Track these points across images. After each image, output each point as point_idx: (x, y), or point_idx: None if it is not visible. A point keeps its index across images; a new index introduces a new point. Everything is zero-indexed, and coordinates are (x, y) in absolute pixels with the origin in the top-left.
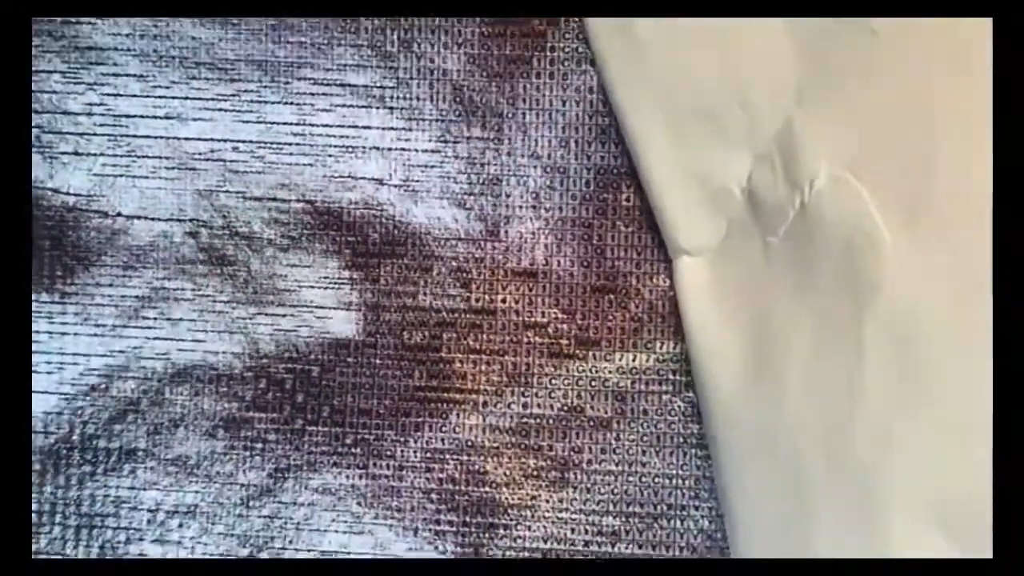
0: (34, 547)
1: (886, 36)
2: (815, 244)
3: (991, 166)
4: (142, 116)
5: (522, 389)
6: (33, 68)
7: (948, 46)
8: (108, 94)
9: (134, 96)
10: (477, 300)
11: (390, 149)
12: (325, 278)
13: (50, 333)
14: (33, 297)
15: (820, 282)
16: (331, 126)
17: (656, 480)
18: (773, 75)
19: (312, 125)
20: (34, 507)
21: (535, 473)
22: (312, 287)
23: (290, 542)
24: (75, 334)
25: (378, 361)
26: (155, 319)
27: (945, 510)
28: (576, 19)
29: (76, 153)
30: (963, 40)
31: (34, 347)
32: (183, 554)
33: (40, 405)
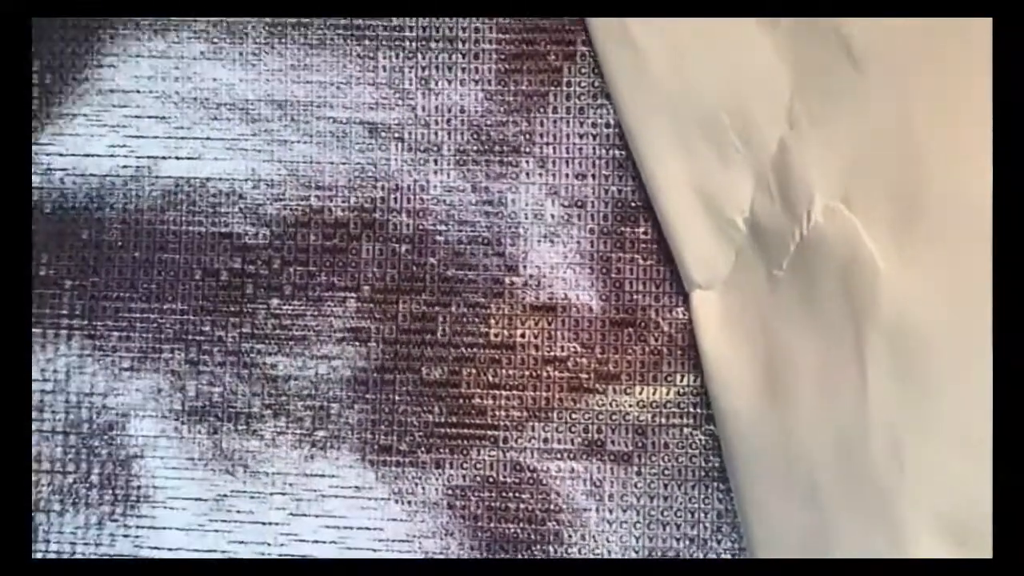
0: None
1: (872, 62)
2: (816, 275)
3: (983, 185)
4: (164, 157)
5: (542, 424)
6: (59, 112)
7: (937, 70)
8: (131, 136)
9: (156, 137)
10: (496, 335)
11: (409, 186)
12: (343, 315)
13: (69, 372)
14: (53, 335)
15: (823, 311)
16: (350, 164)
17: (678, 514)
18: (768, 99)
19: (331, 163)
20: (53, 547)
21: (556, 508)
22: (330, 324)
23: None
24: (93, 373)
25: (397, 397)
26: (174, 358)
27: (957, 521)
28: (591, 54)
29: (99, 194)
30: (954, 65)
31: (52, 386)
32: None
33: (58, 444)
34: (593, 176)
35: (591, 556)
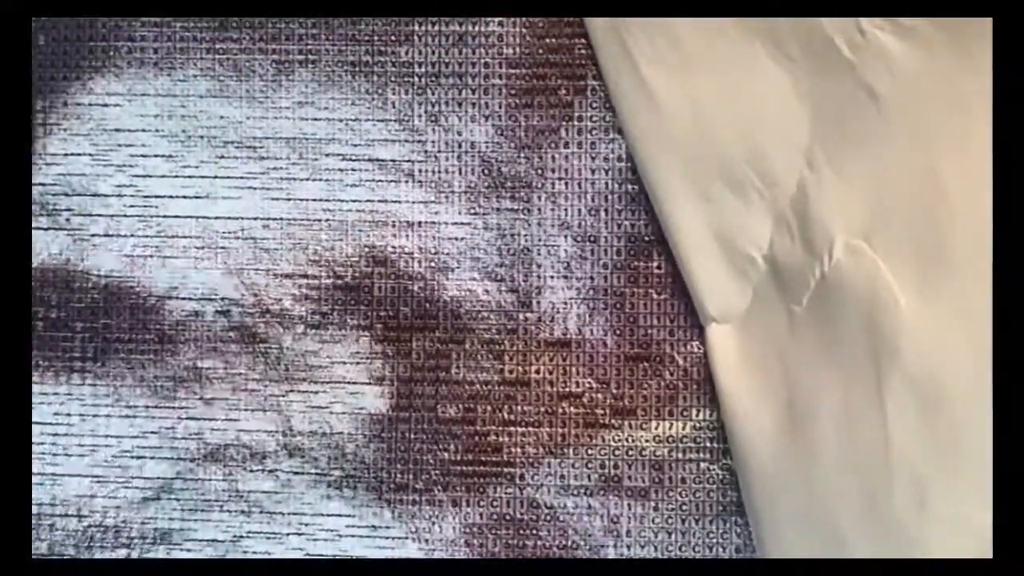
0: None
1: (892, 103)
2: (837, 313)
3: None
4: (171, 196)
5: (558, 460)
6: (64, 151)
7: (951, 110)
8: (137, 175)
9: (163, 176)
10: (511, 372)
11: (420, 223)
12: (357, 353)
13: (82, 415)
14: (65, 379)
15: (844, 349)
16: (360, 201)
17: (696, 550)
18: (786, 140)
19: (341, 200)
20: None
21: (574, 545)
22: (344, 362)
23: None
24: (107, 416)
25: (412, 435)
26: (187, 399)
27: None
28: (602, 88)
29: (107, 235)
30: (973, 105)
31: (67, 430)
32: None
33: (73, 488)
34: (605, 211)
35: None
